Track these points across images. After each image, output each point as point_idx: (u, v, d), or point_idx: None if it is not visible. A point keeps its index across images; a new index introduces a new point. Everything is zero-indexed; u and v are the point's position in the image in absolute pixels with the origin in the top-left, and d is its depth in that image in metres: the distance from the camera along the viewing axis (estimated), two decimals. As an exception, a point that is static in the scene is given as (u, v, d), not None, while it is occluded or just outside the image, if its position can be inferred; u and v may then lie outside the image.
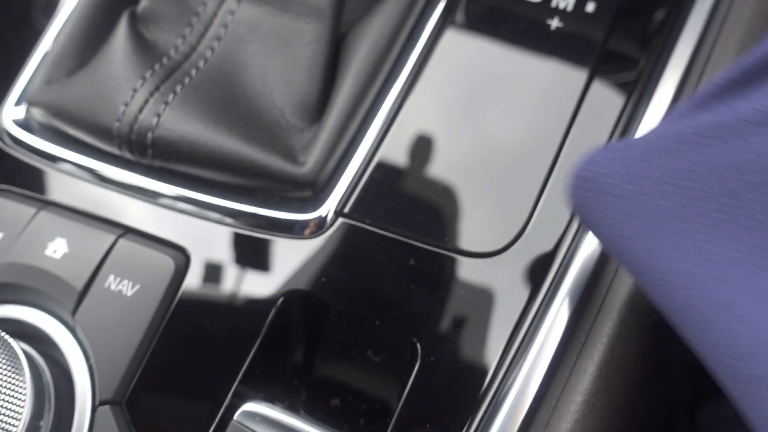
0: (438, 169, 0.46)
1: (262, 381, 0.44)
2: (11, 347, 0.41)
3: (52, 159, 0.50)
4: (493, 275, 0.43)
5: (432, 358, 0.41)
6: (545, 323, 0.42)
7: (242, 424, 0.40)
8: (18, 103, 0.51)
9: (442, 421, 0.40)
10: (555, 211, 0.44)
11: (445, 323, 0.42)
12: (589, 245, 0.43)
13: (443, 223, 0.44)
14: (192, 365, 0.42)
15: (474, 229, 0.44)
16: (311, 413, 0.45)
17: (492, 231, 0.44)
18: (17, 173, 0.50)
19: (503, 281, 0.43)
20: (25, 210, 0.47)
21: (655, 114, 0.46)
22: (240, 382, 0.42)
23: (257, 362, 0.43)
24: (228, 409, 0.41)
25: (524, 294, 0.42)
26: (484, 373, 0.41)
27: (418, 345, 0.41)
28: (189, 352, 0.43)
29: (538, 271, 0.43)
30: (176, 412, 0.42)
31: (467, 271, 0.43)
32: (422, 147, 0.47)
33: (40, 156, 0.50)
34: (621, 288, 0.41)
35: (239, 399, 0.43)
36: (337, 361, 0.45)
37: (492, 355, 0.41)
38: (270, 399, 0.43)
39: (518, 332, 0.42)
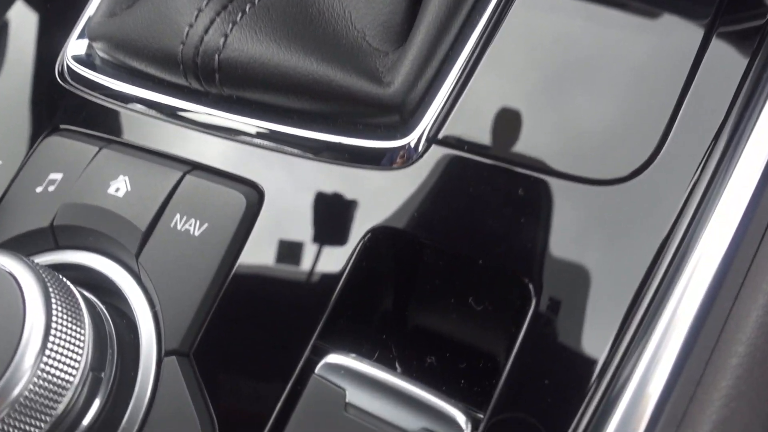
0: (546, 84, 0.39)
1: (344, 334, 0.38)
2: (71, 293, 0.36)
3: (114, 95, 0.45)
4: (620, 206, 0.35)
5: (548, 304, 0.34)
6: (688, 266, 0.34)
7: (325, 379, 0.34)
8: (80, 37, 0.48)
9: (563, 382, 0.33)
10: (695, 129, 0.36)
11: (563, 263, 0.35)
12: (743, 169, 0.35)
13: (557, 146, 0.37)
14: (266, 313, 0.37)
15: (595, 152, 0.37)
16: (403, 373, 0.39)
17: (618, 154, 0.36)
18: (78, 112, 0.46)
19: (633, 213, 0.35)
20: (86, 149, 0.43)
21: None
22: (320, 335, 0.37)
23: (339, 311, 0.37)
24: (308, 363, 0.36)
25: (660, 230, 0.35)
26: (612, 322, 0.34)
27: (531, 288, 0.34)
28: (263, 298, 0.37)
29: (678, 201, 0.35)
30: (249, 366, 0.36)
31: (588, 201, 0.36)
32: (526, 62, 0.40)
33: (100, 92, 0.46)
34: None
35: (318, 355, 0.37)
36: (432, 311, 0.39)
37: (621, 301, 0.34)
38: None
39: (653, 274, 0.34)
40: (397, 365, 0.41)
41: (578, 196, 0.36)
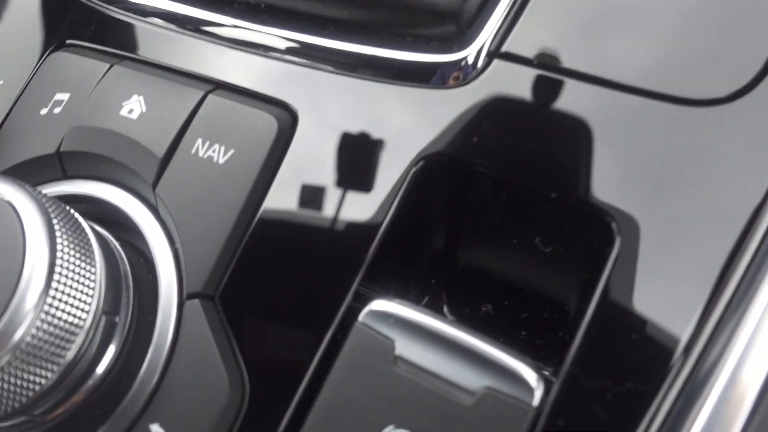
0: (632, -10, 0.33)
1: (388, 278, 0.34)
2: (79, 226, 0.32)
3: (126, 6, 0.40)
4: (718, 132, 0.30)
5: (635, 246, 0.29)
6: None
7: (371, 328, 0.30)
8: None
9: (651, 340, 0.28)
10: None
11: (655, 197, 0.29)
12: None
13: (643, 60, 0.31)
14: (302, 252, 0.32)
15: (689, 68, 0.31)
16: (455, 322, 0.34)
17: (717, 72, 0.31)
18: (86, 25, 0.41)
19: (734, 142, 0.30)
20: (95, 66, 0.38)
21: None
22: (362, 279, 0.32)
23: (385, 252, 0.32)
24: (349, 309, 0.31)
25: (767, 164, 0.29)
26: (712, 269, 0.28)
27: (615, 227, 0.29)
28: (297, 236, 0.33)
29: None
30: (282, 312, 0.32)
31: (680, 125, 0.30)
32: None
33: (111, 3, 0.41)
34: None
35: (360, 302, 0.32)
36: (489, 253, 0.34)
37: (720, 245, 0.29)
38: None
39: (761, 214, 0.29)
40: (446, 312, 0.37)
41: (669, 120, 0.30)
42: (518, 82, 0.32)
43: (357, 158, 0.33)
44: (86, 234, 0.32)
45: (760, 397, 0.27)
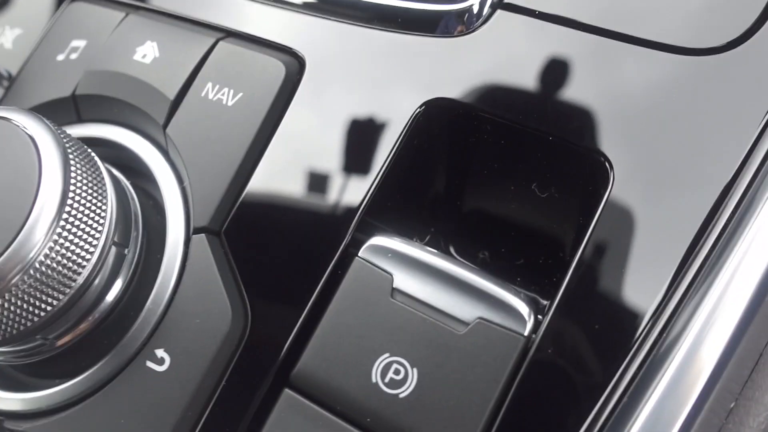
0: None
1: (392, 224, 0.35)
2: (93, 162, 0.33)
3: (143, -42, 0.41)
4: (713, 81, 0.31)
5: (629, 186, 0.30)
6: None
7: (370, 262, 0.31)
8: None
9: (642, 285, 0.29)
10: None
11: (650, 141, 0.30)
12: None
13: (642, 9, 0.32)
14: (305, 190, 0.33)
15: (685, 18, 0.32)
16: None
17: (716, 20, 0.31)
18: (104, -24, 0.42)
19: (727, 91, 0.30)
20: (111, 15, 0.40)
21: None
22: (366, 215, 0.33)
23: (386, 193, 0.33)
24: (353, 243, 0.32)
25: (757, 114, 0.30)
26: (699, 216, 0.29)
27: (609, 167, 0.30)
28: (302, 174, 0.34)
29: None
30: (285, 246, 0.33)
31: (676, 73, 0.31)
32: None
33: (129, -45, 0.42)
34: None
35: (367, 233, 0.33)
36: (488, 199, 0.35)
37: (713, 189, 0.29)
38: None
39: (750, 163, 0.30)
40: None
41: (665, 67, 0.31)
42: (520, 32, 0.33)
43: (361, 103, 0.34)
44: (100, 170, 0.33)
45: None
